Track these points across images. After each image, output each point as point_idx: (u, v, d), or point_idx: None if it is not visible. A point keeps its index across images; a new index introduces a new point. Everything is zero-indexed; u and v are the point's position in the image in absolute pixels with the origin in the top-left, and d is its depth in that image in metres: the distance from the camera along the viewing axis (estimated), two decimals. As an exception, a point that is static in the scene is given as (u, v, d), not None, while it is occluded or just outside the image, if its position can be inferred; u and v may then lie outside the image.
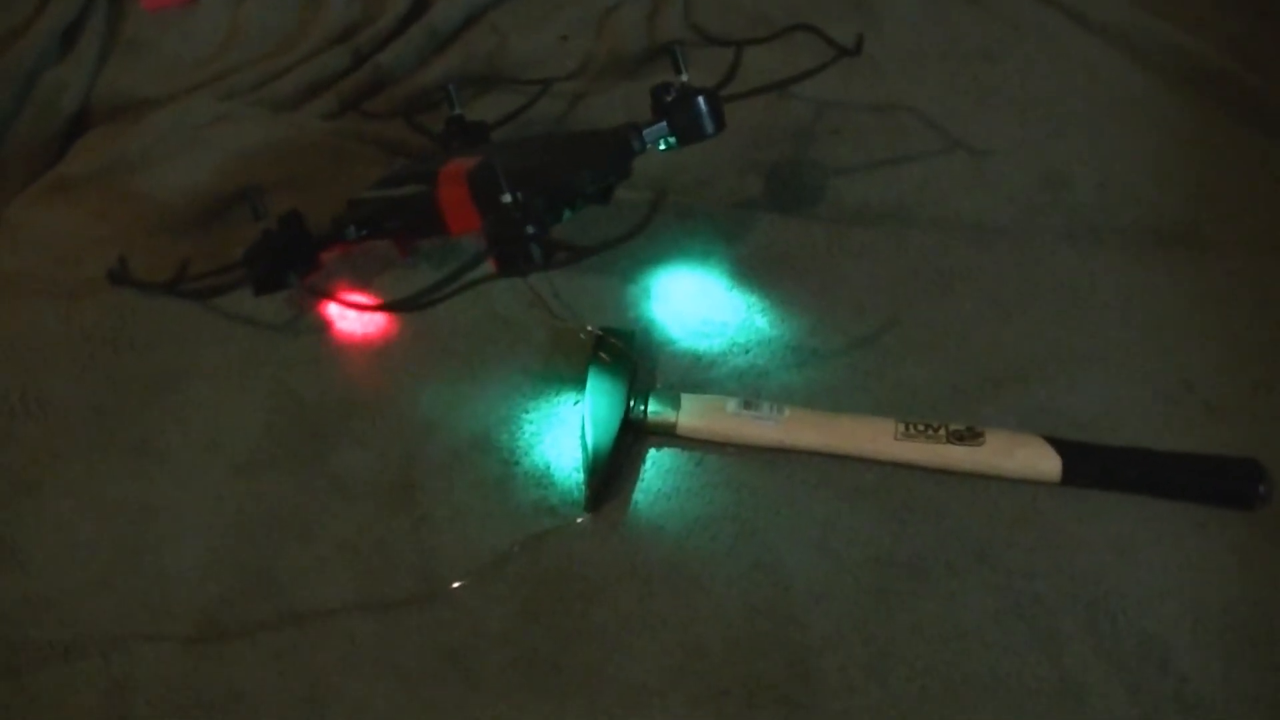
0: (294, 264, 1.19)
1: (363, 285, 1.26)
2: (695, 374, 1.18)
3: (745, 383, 1.17)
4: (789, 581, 1.02)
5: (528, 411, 1.15)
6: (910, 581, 1.02)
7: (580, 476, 1.08)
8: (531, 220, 1.04)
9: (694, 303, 1.25)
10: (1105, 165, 1.40)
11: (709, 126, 1.23)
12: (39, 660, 0.98)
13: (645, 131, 1.20)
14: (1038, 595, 1.00)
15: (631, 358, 1.15)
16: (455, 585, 1.02)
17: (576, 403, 1.14)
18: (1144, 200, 1.36)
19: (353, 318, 1.22)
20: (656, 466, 1.11)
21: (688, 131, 1.22)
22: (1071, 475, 1.06)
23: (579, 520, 1.06)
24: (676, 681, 0.96)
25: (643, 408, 1.11)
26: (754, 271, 1.29)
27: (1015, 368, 1.18)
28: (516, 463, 1.11)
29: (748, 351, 1.20)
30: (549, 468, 1.10)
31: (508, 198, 1.04)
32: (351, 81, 1.55)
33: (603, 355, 1.15)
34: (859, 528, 1.05)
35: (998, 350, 1.20)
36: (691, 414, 1.11)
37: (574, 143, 1.28)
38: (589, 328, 1.18)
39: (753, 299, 1.26)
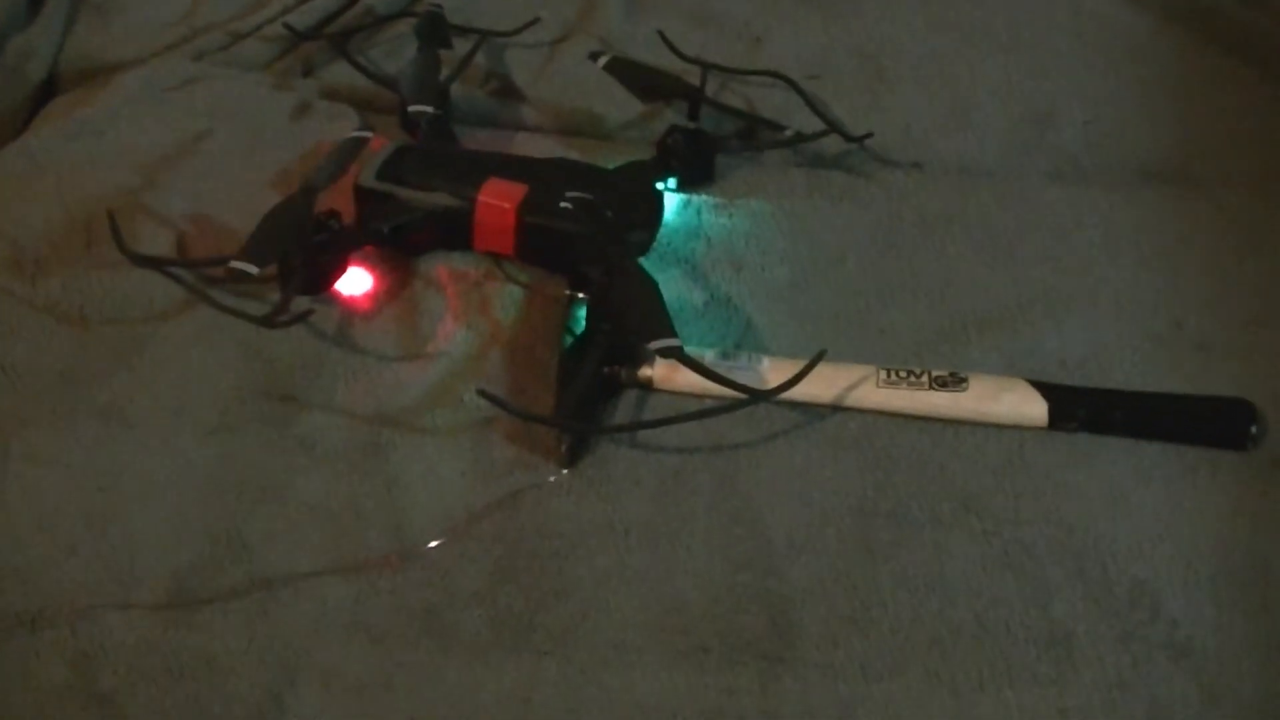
0: (332, 268, 1.15)
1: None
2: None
3: (724, 334, 1.16)
4: (769, 534, 1.00)
5: (502, 367, 1.13)
6: (893, 531, 1.00)
7: (555, 432, 1.05)
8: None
9: (670, 254, 1.23)
10: (1091, 103, 1.39)
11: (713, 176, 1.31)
12: (4, 631, 0.96)
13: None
14: (1025, 543, 0.98)
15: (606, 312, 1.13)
16: (431, 545, 1.00)
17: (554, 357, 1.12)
18: (1131, 138, 1.35)
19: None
20: (634, 418, 1.09)
21: (693, 179, 1.29)
22: (1058, 419, 1.04)
23: (553, 478, 1.04)
24: (655, 638, 0.95)
25: (618, 362, 1.09)
26: (732, 219, 1.26)
27: (1001, 311, 1.16)
28: (491, 419, 1.08)
29: (727, 302, 1.18)
30: (524, 424, 1.07)
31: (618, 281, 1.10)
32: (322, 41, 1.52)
33: (579, 309, 1.14)
34: (840, 478, 1.03)
35: (983, 293, 1.18)
36: (668, 367, 1.08)
37: (610, 180, 1.26)
38: (565, 292, 1.18)
39: (731, 247, 1.23)
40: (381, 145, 1.25)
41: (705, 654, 0.94)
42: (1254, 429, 1.03)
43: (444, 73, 1.39)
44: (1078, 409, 1.05)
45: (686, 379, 1.07)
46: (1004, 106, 1.40)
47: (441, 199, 1.18)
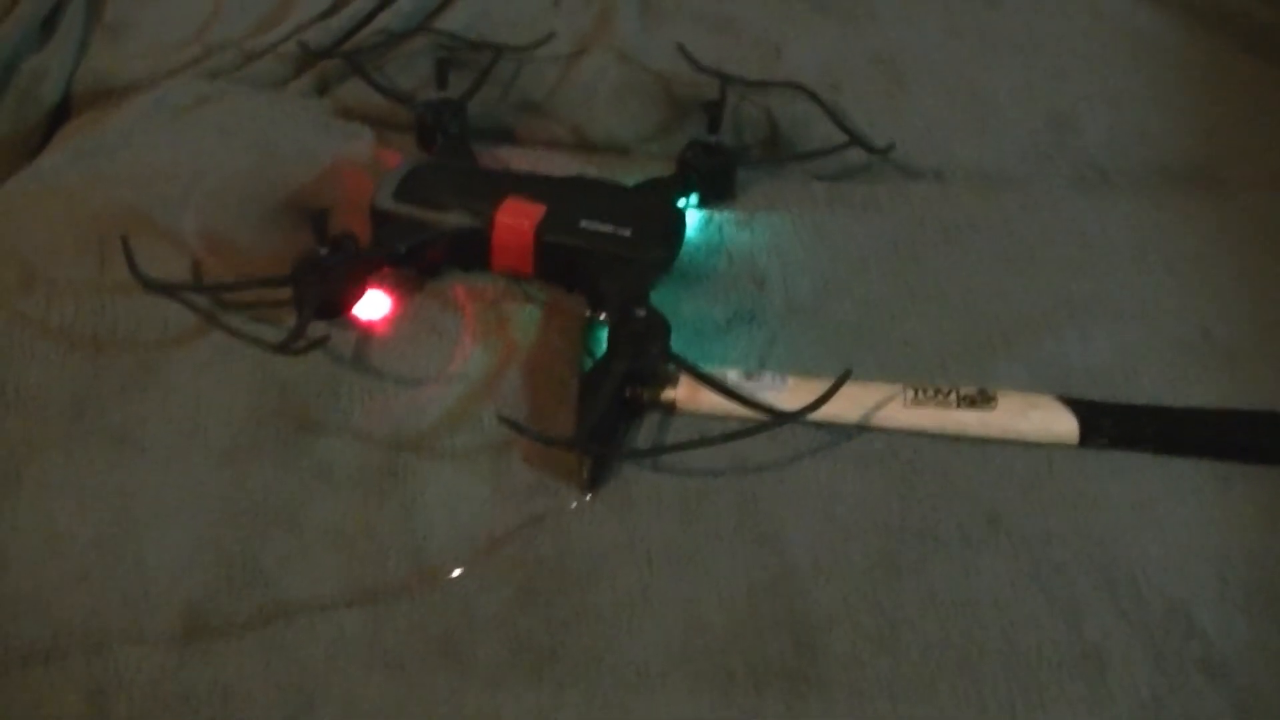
0: (349, 291, 1.14)
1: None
2: (696, 345, 1.14)
3: (747, 351, 1.14)
4: (794, 555, 0.98)
5: (521, 388, 1.11)
6: (920, 550, 0.98)
7: (576, 456, 1.03)
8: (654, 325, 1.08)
9: (692, 270, 1.21)
10: (1114, 106, 1.37)
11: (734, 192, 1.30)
12: (18, 662, 0.95)
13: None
14: (1055, 561, 0.97)
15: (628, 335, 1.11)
16: (454, 575, 0.98)
17: (574, 377, 1.11)
18: (1155, 141, 1.33)
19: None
20: (656, 442, 1.07)
21: (714, 194, 1.28)
22: (1089, 436, 1.02)
23: (574, 503, 1.02)
24: (679, 664, 0.93)
25: (640, 383, 1.08)
26: (754, 233, 1.25)
27: (1025, 321, 1.14)
28: (509, 443, 1.07)
29: (749, 320, 1.17)
30: (544, 447, 1.05)
31: (641, 312, 1.07)
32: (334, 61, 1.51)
33: (599, 330, 1.12)
34: (866, 496, 1.02)
35: (1007, 303, 1.16)
36: (691, 388, 1.07)
37: (630, 199, 1.26)
38: (586, 313, 1.16)
39: (753, 262, 1.22)
40: (397, 163, 1.24)
41: (730, 678, 0.92)
42: (1292, 441, 1.01)
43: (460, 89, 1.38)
44: (1109, 425, 1.03)
45: (710, 401, 1.06)
46: (1025, 112, 1.38)
47: (459, 219, 1.17)
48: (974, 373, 1.09)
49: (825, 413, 1.04)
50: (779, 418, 1.02)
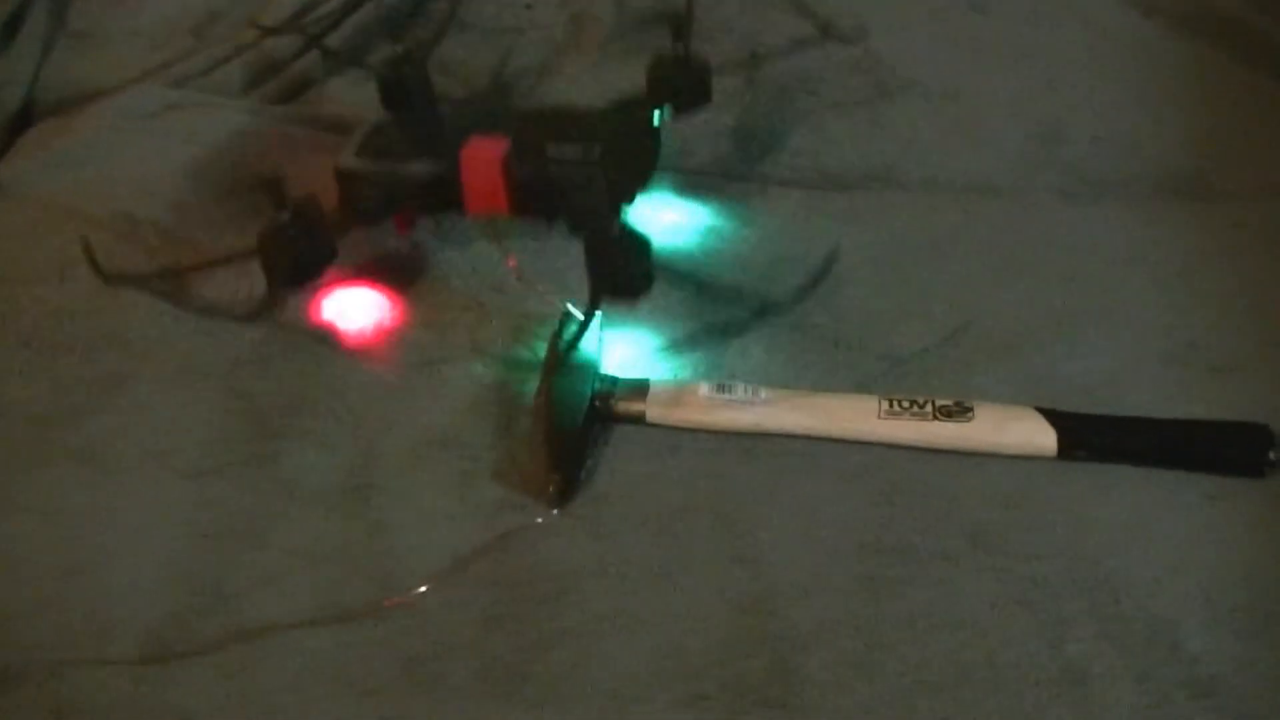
0: (316, 254, 1.12)
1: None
2: (667, 357, 1.13)
3: (720, 364, 1.13)
4: (771, 574, 0.96)
5: (490, 403, 1.10)
6: (900, 569, 0.96)
7: (546, 471, 1.02)
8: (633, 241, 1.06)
9: (665, 280, 1.19)
10: (1102, 116, 1.36)
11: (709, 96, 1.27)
12: (-24, 688, 0.93)
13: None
14: (1037, 579, 0.95)
15: (597, 342, 1.11)
16: (419, 591, 0.97)
17: (540, 392, 1.08)
18: (1144, 151, 1.32)
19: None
20: (627, 456, 1.05)
21: (689, 105, 1.25)
22: (1068, 448, 1.01)
23: (544, 518, 1.01)
24: (653, 686, 0.91)
25: (610, 395, 1.06)
26: (730, 243, 1.24)
27: (1010, 334, 1.13)
28: (479, 458, 1.05)
29: (724, 330, 1.15)
30: (513, 462, 1.04)
31: (616, 231, 1.05)
32: (301, 65, 1.50)
33: (567, 340, 1.10)
34: (844, 513, 1.00)
35: (991, 316, 1.15)
36: (662, 400, 1.06)
37: (598, 121, 1.25)
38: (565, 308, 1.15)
39: (729, 273, 1.20)
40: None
41: (706, 701, 0.90)
42: (1273, 455, 0.99)
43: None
44: (1088, 437, 1.02)
45: (681, 413, 1.04)
46: (1013, 122, 1.37)
47: (425, 166, 1.16)
48: (958, 387, 1.07)
49: (799, 424, 1.03)
50: None
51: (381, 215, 1.17)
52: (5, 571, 1.00)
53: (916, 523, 0.99)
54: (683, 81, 1.26)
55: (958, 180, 1.31)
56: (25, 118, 1.49)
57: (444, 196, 1.16)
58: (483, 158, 1.13)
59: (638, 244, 1.08)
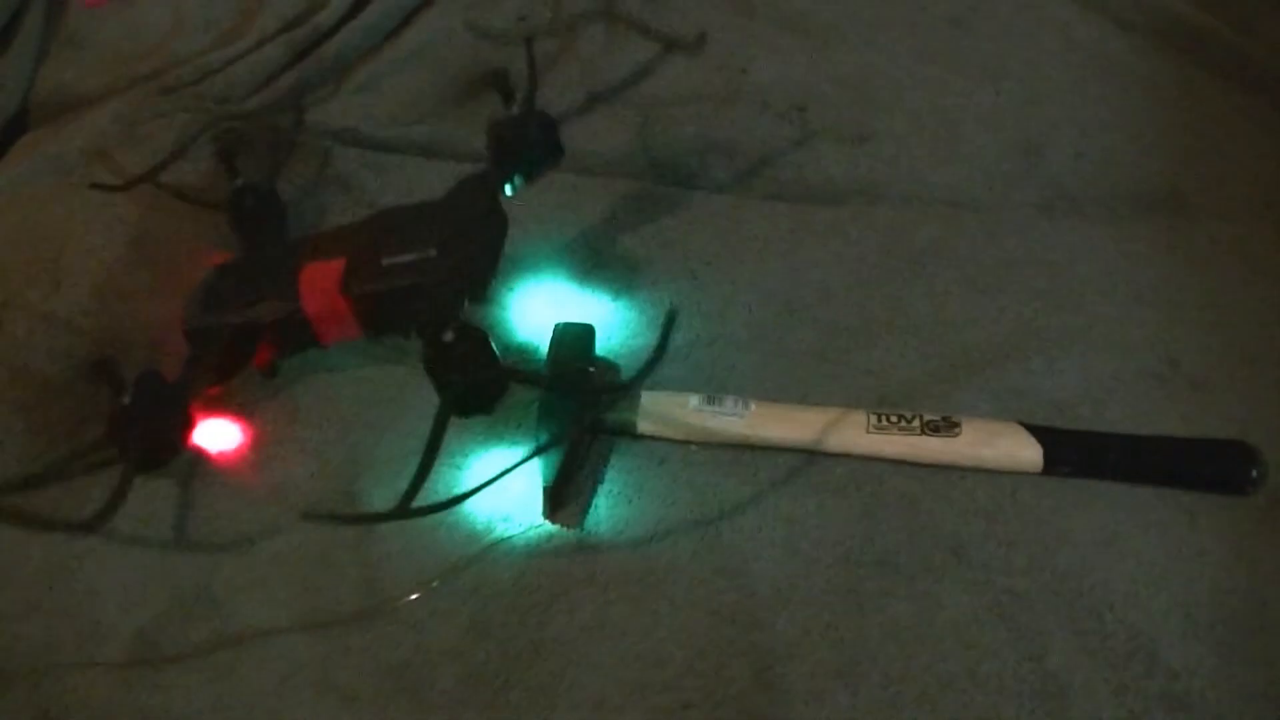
0: (171, 430, 1.01)
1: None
2: (656, 369, 1.12)
3: (708, 376, 1.13)
4: (754, 585, 0.97)
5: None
6: (882, 581, 0.97)
7: (535, 480, 1.02)
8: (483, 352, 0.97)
9: (652, 294, 1.20)
10: (1082, 132, 1.36)
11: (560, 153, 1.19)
12: (-37, 692, 0.94)
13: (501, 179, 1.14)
14: (1018, 592, 0.96)
15: (589, 355, 1.11)
16: (410, 598, 0.97)
17: (531, 402, 1.08)
18: (1124, 167, 1.32)
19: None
20: (616, 468, 1.06)
21: (542, 163, 1.17)
22: (1053, 464, 1.01)
23: (532, 528, 1.01)
24: (636, 695, 0.92)
25: (600, 407, 1.06)
26: (715, 258, 1.24)
27: (991, 349, 1.13)
28: (467, 467, 1.06)
29: (710, 343, 1.15)
30: (502, 472, 1.03)
31: (450, 335, 0.95)
32: (295, 74, 1.49)
33: (558, 353, 1.10)
34: (828, 526, 1.01)
35: (973, 331, 1.15)
36: (651, 412, 1.06)
37: (433, 220, 1.12)
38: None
39: (714, 287, 1.20)
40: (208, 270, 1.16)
41: (689, 711, 0.91)
42: (1255, 472, 1.00)
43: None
44: (1073, 453, 1.02)
45: (672, 425, 1.05)
46: (993, 137, 1.37)
47: (269, 309, 1.08)
48: (939, 401, 1.08)
49: (786, 437, 1.04)
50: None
51: (229, 371, 1.08)
52: (-7, 578, 1.00)
53: (899, 535, 1.00)
54: (529, 143, 1.17)
55: (939, 194, 1.31)
56: (20, 122, 1.48)
57: (296, 334, 1.08)
58: (319, 285, 1.06)
59: (479, 348, 0.98)
